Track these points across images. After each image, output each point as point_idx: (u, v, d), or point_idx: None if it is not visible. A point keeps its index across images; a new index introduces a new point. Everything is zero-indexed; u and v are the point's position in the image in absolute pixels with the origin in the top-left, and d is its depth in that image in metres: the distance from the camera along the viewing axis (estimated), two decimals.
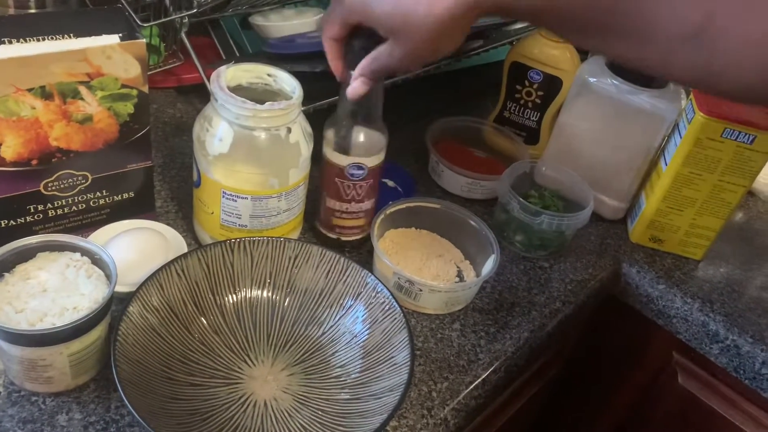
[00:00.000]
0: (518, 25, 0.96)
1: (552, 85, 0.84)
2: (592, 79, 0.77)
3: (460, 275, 0.70)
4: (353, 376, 0.57)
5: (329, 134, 0.64)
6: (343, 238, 0.70)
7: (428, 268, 0.70)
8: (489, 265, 0.68)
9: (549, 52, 0.83)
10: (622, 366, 0.89)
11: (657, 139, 0.77)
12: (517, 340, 0.66)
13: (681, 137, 0.73)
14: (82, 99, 0.56)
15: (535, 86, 0.86)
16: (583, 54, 0.91)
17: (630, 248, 0.81)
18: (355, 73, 0.56)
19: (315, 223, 0.71)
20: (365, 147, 0.64)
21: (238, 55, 0.89)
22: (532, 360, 0.70)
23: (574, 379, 0.95)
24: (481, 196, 0.81)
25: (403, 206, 0.72)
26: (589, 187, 0.77)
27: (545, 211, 0.72)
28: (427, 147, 0.82)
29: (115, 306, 0.56)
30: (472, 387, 0.61)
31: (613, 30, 0.44)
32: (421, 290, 0.64)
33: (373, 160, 0.65)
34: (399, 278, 0.65)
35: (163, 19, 0.76)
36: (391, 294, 0.58)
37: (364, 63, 0.55)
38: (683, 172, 0.74)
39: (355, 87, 0.56)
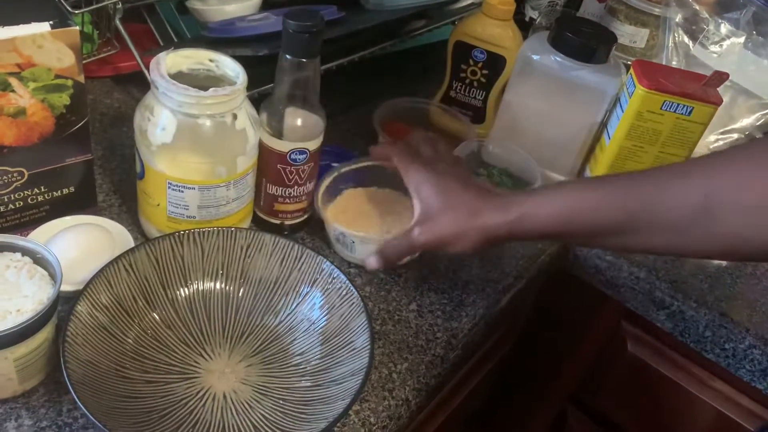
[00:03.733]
0: (461, 4, 0.97)
1: (496, 63, 0.85)
2: (534, 57, 0.78)
3: None
4: (313, 363, 0.56)
5: (266, 119, 0.63)
6: (287, 222, 0.69)
7: (379, 225, 0.70)
8: None
9: (492, 31, 0.83)
10: (574, 336, 0.91)
11: (600, 113, 0.79)
12: (473, 317, 0.67)
13: (623, 111, 0.75)
14: (13, 91, 0.53)
15: (479, 65, 0.86)
16: (525, 31, 0.92)
17: None
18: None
19: (254, 209, 0.69)
20: (306, 131, 0.63)
21: (176, 40, 0.86)
22: (488, 335, 0.71)
23: (528, 351, 0.97)
24: None
25: (359, 166, 0.72)
26: (535, 164, 0.78)
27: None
28: (375, 130, 0.82)
29: (62, 306, 0.54)
30: (431, 366, 0.61)
31: (624, 229, 0.50)
32: (353, 242, 0.66)
33: (315, 143, 0.64)
34: (334, 230, 0.67)
35: (96, 5, 0.73)
36: (348, 279, 0.58)
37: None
38: (626, 145, 0.76)
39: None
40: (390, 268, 0.66)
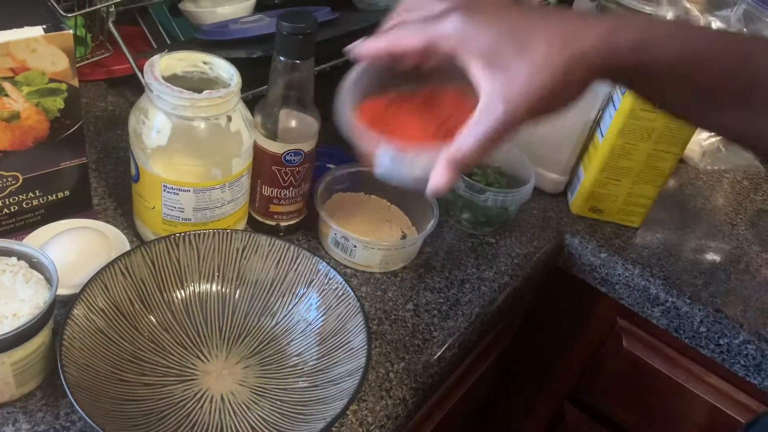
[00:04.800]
0: None
1: None
2: None
3: (404, 238, 0.72)
4: (310, 363, 0.57)
5: (260, 121, 0.63)
6: (282, 224, 0.69)
7: (372, 231, 0.71)
8: (426, 229, 0.69)
9: None
10: (569, 334, 0.92)
11: (592, 112, 0.79)
12: (469, 316, 0.67)
13: (615, 109, 0.75)
14: (7, 95, 0.53)
15: None
16: None
17: (571, 220, 0.83)
18: (450, 156, 0.41)
19: (250, 211, 0.70)
20: (300, 132, 0.63)
21: (169, 43, 0.86)
22: (484, 334, 0.72)
23: (525, 349, 0.97)
24: None
25: (352, 170, 0.73)
26: (529, 163, 0.78)
27: (489, 188, 0.73)
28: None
29: (58, 310, 0.54)
30: (428, 365, 0.62)
31: (747, 94, 0.40)
32: (355, 246, 0.67)
33: (309, 144, 0.65)
34: (335, 233, 0.67)
35: (88, 9, 0.73)
36: (344, 279, 0.58)
37: (466, 141, 0.40)
38: (619, 143, 0.77)
39: (445, 180, 0.41)
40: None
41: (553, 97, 0.40)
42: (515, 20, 0.40)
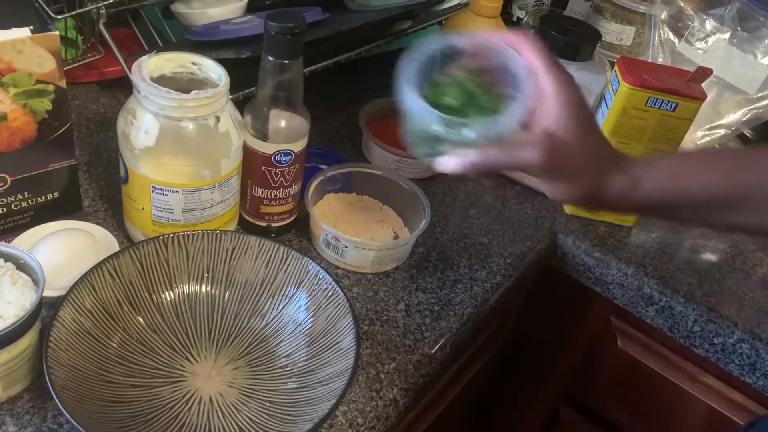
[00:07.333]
0: (447, 5, 0.97)
1: None
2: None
3: (396, 238, 0.72)
4: (299, 364, 0.56)
5: (250, 121, 0.63)
6: (273, 225, 0.69)
7: (365, 231, 0.71)
8: (418, 229, 0.69)
9: (479, 28, 0.83)
10: (564, 334, 0.91)
11: None
12: (461, 316, 0.67)
13: (608, 108, 0.75)
14: None
15: None
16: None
17: (565, 219, 0.83)
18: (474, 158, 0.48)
19: (241, 212, 0.69)
20: (290, 132, 0.63)
21: (161, 44, 0.86)
22: (477, 334, 0.71)
23: (518, 350, 0.97)
24: (410, 174, 0.81)
25: (344, 170, 0.73)
26: None
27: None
28: (361, 128, 0.82)
29: (46, 312, 0.54)
30: (419, 365, 0.61)
31: (739, 204, 0.49)
32: (346, 246, 0.66)
33: (299, 145, 0.64)
34: (326, 234, 0.67)
35: (78, 11, 0.73)
36: (334, 280, 0.57)
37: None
38: (612, 142, 0.76)
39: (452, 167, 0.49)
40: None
41: (562, 180, 0.51)
42: (590, 124, 0.51)
